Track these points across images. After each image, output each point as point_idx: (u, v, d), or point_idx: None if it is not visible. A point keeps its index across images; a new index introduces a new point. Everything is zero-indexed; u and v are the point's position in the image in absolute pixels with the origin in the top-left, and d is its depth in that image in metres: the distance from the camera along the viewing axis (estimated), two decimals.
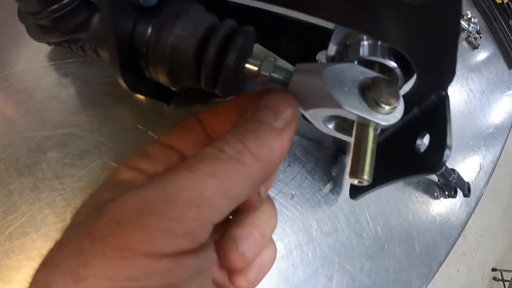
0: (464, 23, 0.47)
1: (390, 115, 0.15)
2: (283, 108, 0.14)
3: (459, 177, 0.33)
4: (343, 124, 0.18)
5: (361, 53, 0.17)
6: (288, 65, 0.25)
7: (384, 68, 0.18)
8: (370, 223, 0.28)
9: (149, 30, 0.16)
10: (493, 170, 0.41)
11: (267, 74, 0.16)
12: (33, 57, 0.25)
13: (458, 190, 0.34)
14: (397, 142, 0.21)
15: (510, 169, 1.29)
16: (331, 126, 0.18)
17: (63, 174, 0.23)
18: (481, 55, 0.49)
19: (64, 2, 0.18)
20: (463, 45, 0.47)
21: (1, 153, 0.23)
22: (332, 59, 0.20)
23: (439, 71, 0.17)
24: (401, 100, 0.15)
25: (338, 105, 0.14)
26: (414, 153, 0.18)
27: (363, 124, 0.15)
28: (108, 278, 0.10)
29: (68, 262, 0.10)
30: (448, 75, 0.17)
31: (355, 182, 0.14)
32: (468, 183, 0.34)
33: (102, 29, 0.15)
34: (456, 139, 0.39)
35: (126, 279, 0.10)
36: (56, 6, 0.18)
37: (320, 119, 0.17)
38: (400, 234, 0.29)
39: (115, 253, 0.10)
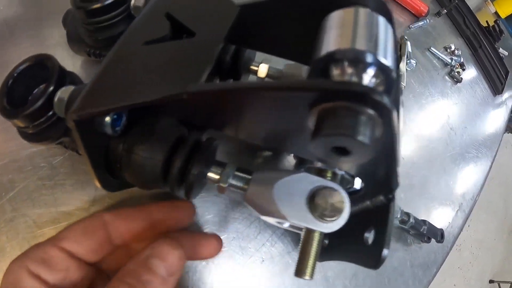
0: (446, 57, 0.48)
1: (333, 223, 0.17)
2: (172, 258, 0.17)
3: (430, 227, 0.34)
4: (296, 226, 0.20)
5: (315, 164, 0.19)
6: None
7: (335, 175, 0.19)
8: (336, 280, 0.30)
9: (120, 150, 0.18)
10: (471, 210, 0.43)
11: (225, 185, 0.18)
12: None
13: None
14: (352, 227, 0.22)
15: (504, 181, 1.28)
16: (285, 225, 0.20)
17: None
18: (464, 87, 0.49)
19: (46, 117, 0.20)
20: (446, 80, 0.48)
21: (2, 227, 0.25)
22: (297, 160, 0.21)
23: (382, 183, 0.18)
24: (347, 207, 0.17)
25: (285, 218, 0.16)
26: (362, 244, 0.20)
27: (310, 230, 0.17)
28: None
29: None
30: (392, 185, 0.18)
31: (303, 279, 0.17)
32: (441, 230, 0.36)
33: (78, 146, 0.18)
34: (434, 181, 0.40)
35: None
36: (42, 119, 0.20)
37: (276, 222, 0.19)
38: (370, 284, 0.31)
39: None
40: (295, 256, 0.29)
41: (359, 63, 0.12)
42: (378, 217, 0.20)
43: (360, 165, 0.17)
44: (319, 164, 0.19)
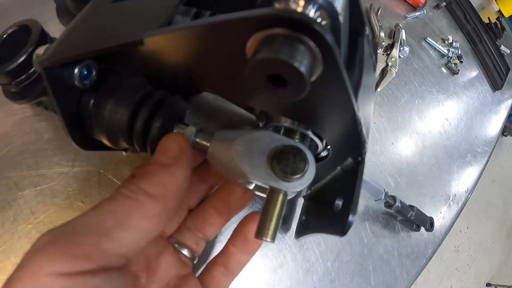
0: (443, 48, 0.47)
1: (297, 182, 0.16)
2: (170, 145, 0.17)
3: (418, 213, 0.33)
4: (261, 187, 0.19)
5: (282, 122, 0.19)
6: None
7: (304, 137, 0.19)
8: (320, 259, 0.29)
9: (90, 105, 0.19)
10: (467, 199, 0.41)
11: (190, 140, 0.18)
12: (12, 104, 0.29)
13: None
14: (323, 197, 0.22)
15: (505, 183, 1.25)
16: (251, 187, 0.19)
17: (37, 210, 0.25)
18: (462, 80, 0.49)
19: (26, 74, 0.21)
20: (442, 71, 0.47)
21: None
22: (260, 115, 0.21)
23: (348, 142, 0.18)
24: (311, 168, 0.16)
25: (246, 175, 0.16)
26: (332, 211, 0.20)
27: (274, 189, 0.16)
28: None
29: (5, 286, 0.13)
30: (360, 148, 0.18)
31: (262, 241, 0.16)
32: (431, 218, 0.35)
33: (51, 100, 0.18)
34: (425, 170, 0.40)
35: None
36: (22, 77, 0.21)
37: (239, 182, 0.19)
38: (353, 268, 0.31)
39: (28, 276, 0.13)
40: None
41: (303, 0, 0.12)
42: (347, 183, 0.20)
43: (319, 118, 0.16)
44: (287, 123, 0.19)
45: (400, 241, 0.35)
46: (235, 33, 0.12)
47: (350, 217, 0.17)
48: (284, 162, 0.16)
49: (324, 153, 0.21)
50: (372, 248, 0.33)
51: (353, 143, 0.18)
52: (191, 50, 0.14)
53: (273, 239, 0.16)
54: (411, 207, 0.33)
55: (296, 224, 0.28)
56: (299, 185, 0.16)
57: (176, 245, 0.21)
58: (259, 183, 0.17)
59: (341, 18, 0.13)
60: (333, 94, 0.14)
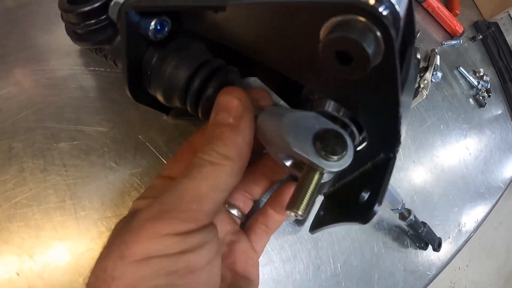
0: (474, 80, 0.48)
1: (335, 162, 0.17)
2: (232, 103, 0.18)
3: (429, 231, 0.34)
4: (298, 164, 0.20)
5: (326, 107, 0.20)
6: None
7: (346, 126, 0.20)
8: (331, 259, 0.30)
9: (155, 58, 0.20)
10: (474, 231, 0.42)
11: None
12: (62, 59, 0.30)
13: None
14: (350, 191, 0.23)
15: (510, 227, 1.23)
16: (288, 163, 0.20)
17: (70, 163, 0.26)
18: (487, 114, 0.49)
19: (97, 19, 0.22)
20: (469, 102, 0.48)
21: (21, 135, 0.27)
22: (305, 102, 0.22)
23: (385, 137, 0.19)
24: (350, 152, 0.17)
25: (289, 146, 0.17)
26: (356, 203, 0.20)
27: (311, 167, 0.17)
28: (141, 254, 0.15)
29: (115, 250, 0.15)
30: (394, 142, 0.18)
31: (291, 214, 0.17)
32: (439, 238, 0.35)
33: (120, 48, 0.19)
34: (440, 191, 0.40)
35: (155, 251, 0.15)
36: (92, 21, 0.22)
37: (279, 156, 0.19)
38: (360, 274, 0.31)
39: (147, 237, 0.15)
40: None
41: None
42: (376, 177, 0.20)
43: (365, 106, 0.17)
44: (331, 110, 0.19)
45: (407, 257, 0.35)
46: (314, 14, 0.13)
47: (376, 206, 0.18)
48: (326, 141, 0.17)
49: (359, 148, 0.22)
50: (380, 258, 0.33)
51: (388, 138, 0.19)
52: (265, 24, 0.15)
53: (304, 212, 0.16)
54: (423, 223, 0.34)
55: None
56: (336, 166, 0.17)
57: (226, 206, 0.23)
58: (299, 156, 0.17)
59: (401, 23, 0.14)
60: (384, 86, 0.15)
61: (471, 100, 0.48)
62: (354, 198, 0.21)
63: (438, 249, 0.35)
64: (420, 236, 0.33)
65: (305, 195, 0.17)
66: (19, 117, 0.27)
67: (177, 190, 0.17)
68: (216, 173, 0.17)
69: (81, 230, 0.24)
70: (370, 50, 0.12)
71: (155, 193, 0.20)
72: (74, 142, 0.27)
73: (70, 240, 0.24)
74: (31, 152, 0.26)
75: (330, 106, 0.19)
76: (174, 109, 0.27)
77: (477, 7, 0.58)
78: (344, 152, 0.17)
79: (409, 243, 0.35)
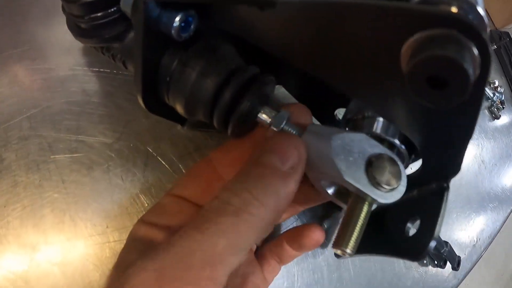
0: (489, 91, 0.47)
1: (388, 193, 0.15)
2: (290, 152, 0.15)
3: (451, 250, 0.32)
4: (342, 192, 0.18)
5: (374, 128, 0.18)
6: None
7: (393, 147, 0.18)
8: (353, 280, 0.28)
9: (176, 62, 0.17)
10: (489, 245, 0.41)
11: (276, 129, 0.17)
12: (62, 57, 0.26)
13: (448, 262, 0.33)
14: (390, 218, 0.21)
15: (509, 236, 1.26)
16: (330, 190, 0.18)
17: (69, 179, 0.23)
18: (501, 126, 0.48)
19: (105, 12, 0.18)
20: (484, 113, 0.47)
21: (14, 144, 0.23)
22: (347, 122, 0.20)
23: (444, 164, 0.17)
24: (403, 182, 0.15)
25: (339, 174, 0.15)
26: (403, 235, 0.19)
27: (360, 197, 0.15)
28: None
29: None
30: (453, 169, 0.17)
31: (338, 252, 0.15)
32: (459, 257, 0.34)
33: (134, 47, 0.16)
34: (458, 208, 0.39)
35: None
36: (99, 14, 0.19)
37: (321, 182, 0.17)
38: None
39: None
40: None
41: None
42: (425, 207, 0.18)
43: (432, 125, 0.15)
44: (378, 131, 0.17)
45: (427, 276, 0.34)
46: (395, 25, 0.10)
47: (432, 243, 0.16)
48: (381, 170, 0.15)
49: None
50: (401, 278, 0.31)
51: (445, 167, 0.17)
52: (320, 28, 0.13)
53: (353, 250, 0.14)
54: (446, 243, 0.32)
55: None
56: (390, 197, 0.15)
57: None
58: (347, 185, 0.15)
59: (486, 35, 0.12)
60: (462, 114, 0.13)
61: (486, 111, 0.47)
62: (396, 228, 0.19)
63: (457, 268, 0.34)
64: (441, 255, 0.32)
65: (353, 230, 0.15)
66: (11, 123, 0.23)
67: (183, 247, 0.12)
68: (240, 227, 0.13)
69: (82, 255, 0.21)
70: (471, 71, 0.09)
71: (165, 215, 0.17)
72: (74, 155, 0.24)
73: (70, 266, 0.21)
74: (25, 165, 0.23)
75: (378, 127, 0.17)
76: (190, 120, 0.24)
77: (489, 16, 0.57)
78: (399, 182, 0.15)
79: (428, 261, 0.34)
